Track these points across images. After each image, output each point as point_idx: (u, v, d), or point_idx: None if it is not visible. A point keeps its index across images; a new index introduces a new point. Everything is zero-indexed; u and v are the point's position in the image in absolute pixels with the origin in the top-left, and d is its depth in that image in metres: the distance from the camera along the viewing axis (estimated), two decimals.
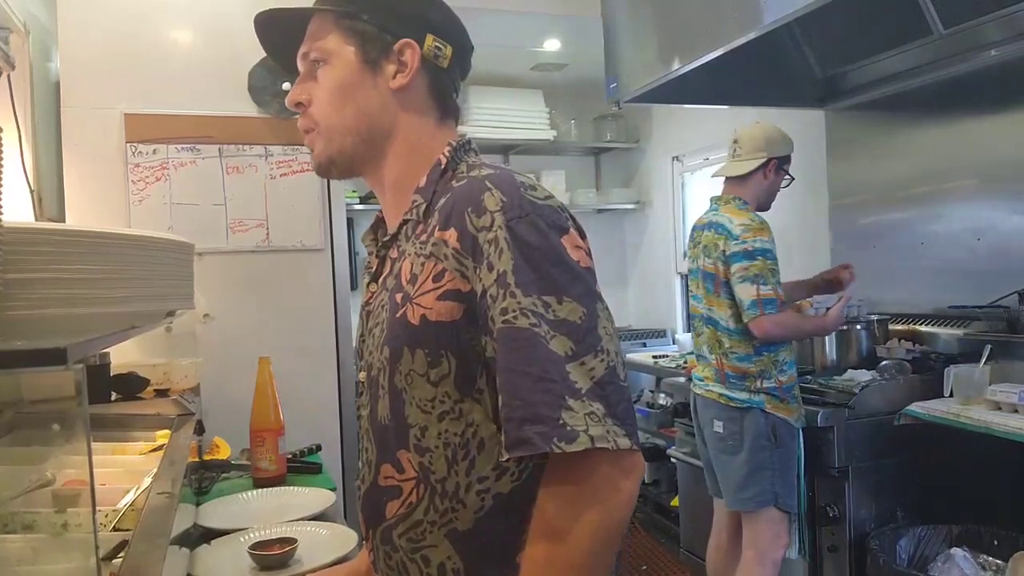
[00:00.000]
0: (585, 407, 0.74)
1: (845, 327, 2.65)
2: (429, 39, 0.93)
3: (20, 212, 1.84)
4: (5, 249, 0.78)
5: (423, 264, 0.84)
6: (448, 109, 0.97)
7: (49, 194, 2.14)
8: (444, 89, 0.96)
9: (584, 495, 0.76)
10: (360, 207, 4.30)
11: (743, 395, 2.33)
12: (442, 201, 0.87)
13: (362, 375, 0.95)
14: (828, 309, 2.43)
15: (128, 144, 2.25)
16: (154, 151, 2.27)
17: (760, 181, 2.46)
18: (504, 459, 0.77)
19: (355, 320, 2.63)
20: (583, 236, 0.85)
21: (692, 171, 4.27)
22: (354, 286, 4.19)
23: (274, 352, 1.94)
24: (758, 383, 2.31)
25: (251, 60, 2.34)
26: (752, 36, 2.19)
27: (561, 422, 0.73)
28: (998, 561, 2.12)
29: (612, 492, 0.76)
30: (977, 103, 2.57)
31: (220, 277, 2.32)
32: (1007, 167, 2.49)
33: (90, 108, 2.22)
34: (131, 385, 1.87)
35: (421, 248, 0.86)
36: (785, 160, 2.49)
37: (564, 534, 0.75)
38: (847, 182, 3.12)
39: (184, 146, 2.30)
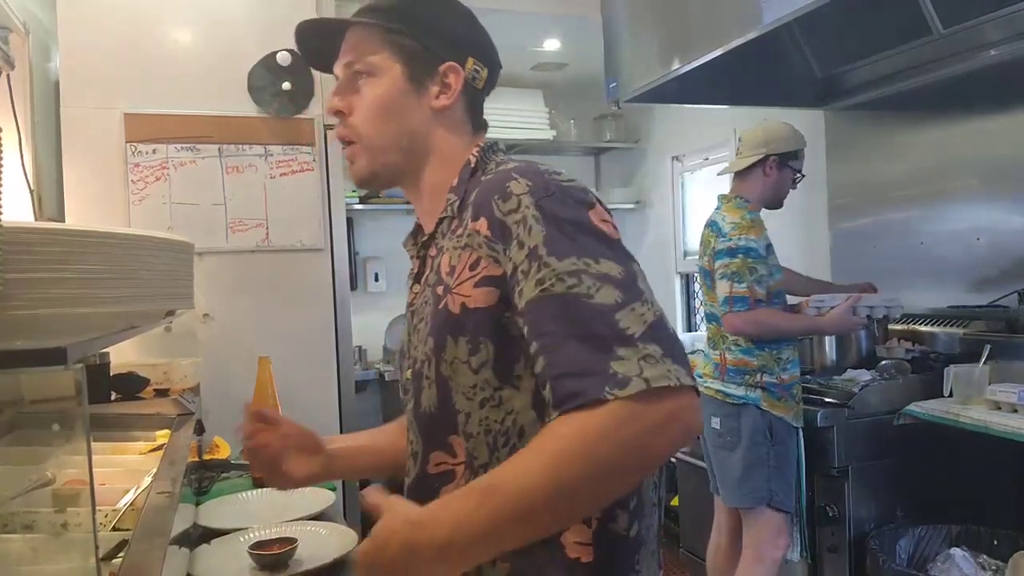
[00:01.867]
0: (638, 352, 0.73)
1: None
2: (470, 62, 0.97)
3: (20, 212, 1.84)
4: (5, 249, 0.78)
5: (459, 255, 0.87)
6: (479, 125, 1.01)
7: (49, 194, 2.14)
8: (478, 108, 1.01)
9: (625, 426, 0.71)
10: (360, 207, 4.29)
11: (739, 391, 2.33)
12: (472, 195, 0.90)
13: (409, 373, 0.97)
14: (831, 308, 2.40)
15: (128, 144, 2.25)
16: (154, 151, 2.27)
17: (761, 178, 2.46)
18: (554, 417, 0.74)
19: (351, 323, 2.61)
20: (608, 212, 0.87)
21: (692, 171, 4.27)
22: (354, 286, 4.20)
23: (274, 352, 1.94)
24: (757, 377, 2.31)
25: (251, 60, 2.34)
26: (752, 36, 2.19)
27: (611, 372, 0.72)
28: (998, 561, 2.12)
29: (663, 428, 0.72)
30: (977, 103, 2.57)
31: (220, 277, 2.32)
32: (1007, 167, 2.49)
33: (90, 108, 2.22)
34: (131, 385, 1.86)
35: (457, 241, 0.89)
36: (789, 156, 2.48)
37: (601, 426, 0.71)
38: (847, 182, 3.12)
39: (184, 146, 2.30)
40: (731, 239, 2.33)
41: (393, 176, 0.99)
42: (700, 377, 2.48)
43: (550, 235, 0.79)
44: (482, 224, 0.85)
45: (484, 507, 0.73)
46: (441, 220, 0.95)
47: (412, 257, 1.04)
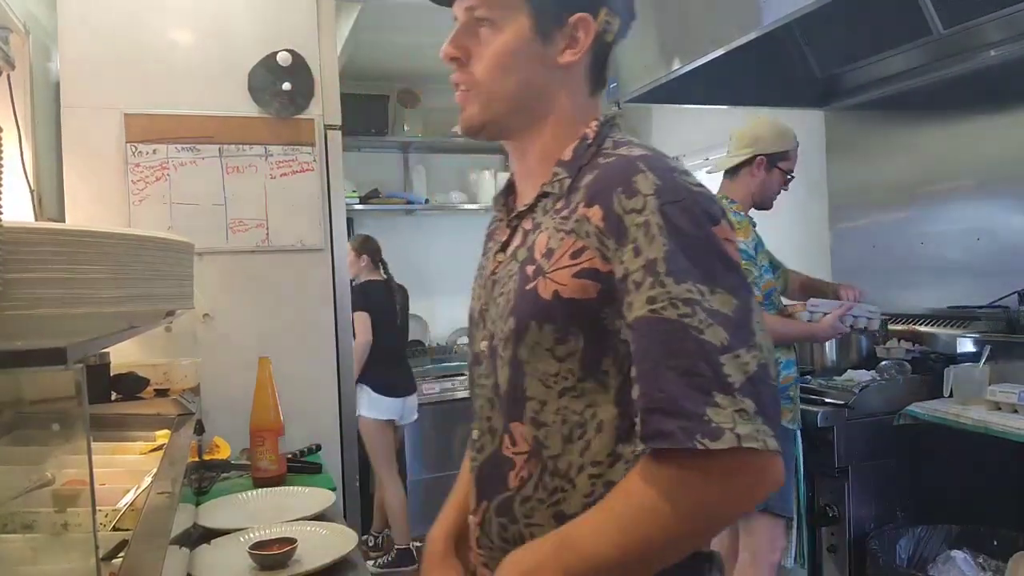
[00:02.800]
0: (735, 403, 0.71)
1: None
2: (602, 13, 0.90)
3: (20, 212, 1.84)
4: (5, 249, 0.78)
5: (562, 239, 0.83)
6: (600, 82, 0.95)
7: (49, 194, 2.13)
8: (603, 63, 0.94)
9: (714, 484, 0.72)
10: (360, 207, 4.30)
11: None
12: (588, 178, 0.84)
13: (483, 344, 0.93)
14: (825, 315, 2.34)
15: (128, 144, 2.24)
16: (154, 151, 2.27)
17: (749, 179, 2.39)
18: (639, 450, 0.75)
19: (351, 323, 2.60)
20: (733, 228, 0.83)
21: (692, 171, 4.26)
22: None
23: (274, 352, 1.93)
24: None
25: (251, 60, 2.34)
26: (752, 36, 2.19)
27: (706, 418, 0.70)
28: (998, 561, 2.12)
29: (744, 491, 0.74)
30: (977, 103, 2.57)
31: (220, 277, 2.32)
32: (1007, 167, 2.50)
33: (90, 108, 2.21)
34: (131, 385, 1.86)
35: (561, 223, 0.84)
36: (778, 157, 2.39)
37: (671, 494, 0.72)
38: (847, 182, 3.12)
39: (184, 146, 2.30)
40: None
41: (502, 129, 0.93)
42: None
43: (671, 251, 0.75)
44: (595, 213, 0.80)
45: (556, 560, 0.76)
46: (544, 195, 0.89)
47: (499, 220, 0.99)
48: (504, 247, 0.94)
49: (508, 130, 0.93)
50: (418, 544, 4.08)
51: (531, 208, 0.91)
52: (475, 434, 0.95)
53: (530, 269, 0.85)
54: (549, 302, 0.82)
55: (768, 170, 2.37)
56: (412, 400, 3.83)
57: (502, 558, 0.86)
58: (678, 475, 0.73)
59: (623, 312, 0.77)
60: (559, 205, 0.86)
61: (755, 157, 2.37)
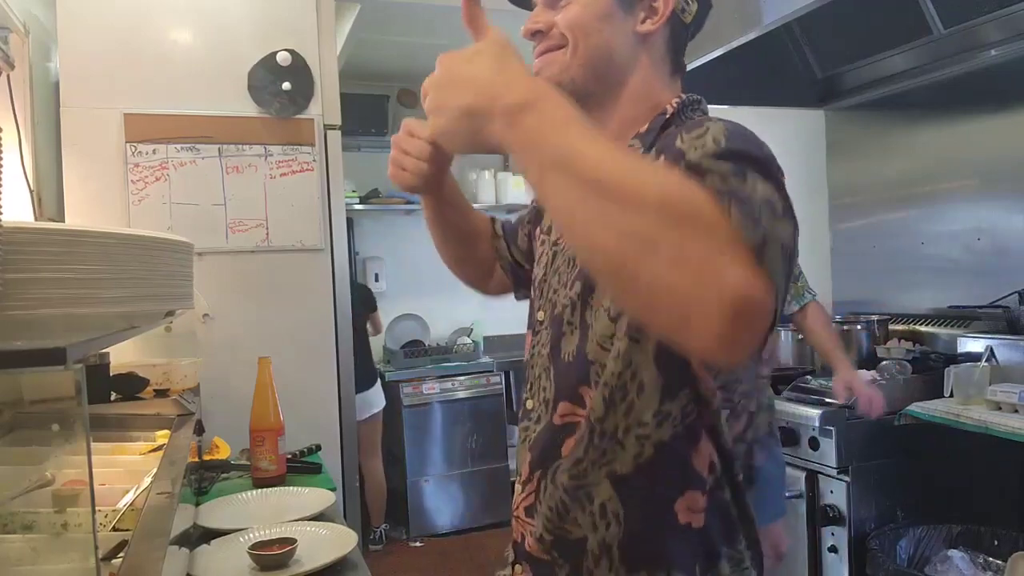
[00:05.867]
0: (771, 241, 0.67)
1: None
2: None
3: (20, 212, 1.84)
4: (5, 249, 0.78)
5: None
6: (679, 65, 0.96)
7: (49, 194, 2.14)
8: (680, 44, 0.95)
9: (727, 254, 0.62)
10: (360, 207, 4.30)
11: None
12: (661, 144, 0.84)
13: (541, 314, 0.94)
14: None
15: (128, 144, 2.24)
16: (154, 151, 2.27)
17: None
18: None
19: (351, 323, 2.59)
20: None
21: None
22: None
23: (274, 352, 1.93)
24: None
25: (251, 60, 2.34)
26: (752, 36, 2.19)
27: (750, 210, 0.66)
28: (998, 561, 2.12)
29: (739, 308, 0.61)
30: (977, 103, 2.57)
31: (220, 277, 2.32)
32: (1007, 167, 2.50)
33: (90, 108, 2.21)
34: (131, 385, 1.86)
35: None
36: None
37: (699, 213, 0.61)
38: (847, 182, 3.12)
39: (184, 146, 2.30)
40: None
41: (577, 94, 0.86)
42: None
43: (719, 149, 0.71)
44: (659, 161, 0.77)
45: (580, 141, 0.63)
46: None
47: None
48: None
49: (583, 98, 0.86)
50: (419, 544, 4.09)
51: None
52: (529, 404, 0.95)
53: None
54: None
55: None
56: (368, 395, 3.85)
57: (551, 527, 0.88)
58: (718, 211, 0.63)
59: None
60: None
61: None
